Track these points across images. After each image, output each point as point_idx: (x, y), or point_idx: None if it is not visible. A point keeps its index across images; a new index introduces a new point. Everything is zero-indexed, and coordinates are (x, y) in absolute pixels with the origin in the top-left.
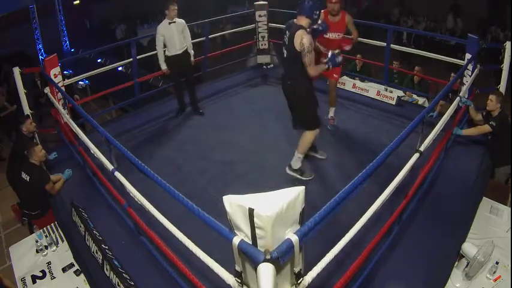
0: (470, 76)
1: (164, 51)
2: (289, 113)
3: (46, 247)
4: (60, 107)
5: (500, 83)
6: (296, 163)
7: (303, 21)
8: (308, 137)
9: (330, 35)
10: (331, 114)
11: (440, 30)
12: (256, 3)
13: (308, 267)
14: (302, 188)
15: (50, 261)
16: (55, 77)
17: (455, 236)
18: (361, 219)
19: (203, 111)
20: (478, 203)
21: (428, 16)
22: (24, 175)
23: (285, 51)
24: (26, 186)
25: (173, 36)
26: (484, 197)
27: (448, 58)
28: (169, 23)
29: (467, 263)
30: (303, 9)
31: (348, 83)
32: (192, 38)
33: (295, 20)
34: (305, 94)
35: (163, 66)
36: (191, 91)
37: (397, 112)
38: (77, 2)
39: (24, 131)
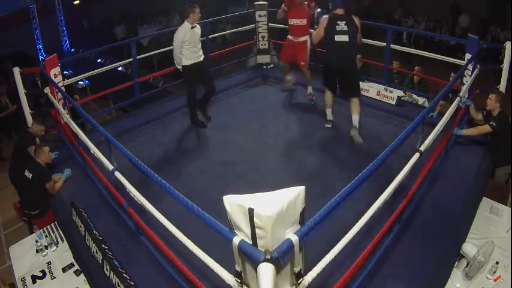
0: (470, 76)
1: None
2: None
3: (46, 247)
4: (60, 107)
5: (500, 83)
6: (358, 123)
7: (342, 11)
8: (358, 101)
9: (294, 22)
10: (309, 91)
11: (440, 30)
12: (256, 3)
13: (308, 267)
14: (302, 188)
15: (50, 261)
16: (55, 77)
17: (455, 236)
18: (361, 219)
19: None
20: (478, 203)
21: (428, 16)
22: (27, 172)
23: (345, 36)
24: (28, 183)
25: (196, 42)
26: (484, 197)
27: (448, 58)
28: (192, 28)
29: (467, 263)
30: (340, 3)
31: None
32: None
33: (335, 12)
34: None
35: (180, 66)
36: (206, 100)
37: (397, 112)
38: (77, 2)
39: (31, 130)
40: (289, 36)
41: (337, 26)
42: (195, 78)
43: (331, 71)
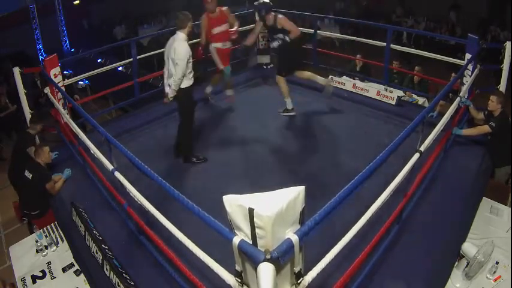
0: (470, 76)
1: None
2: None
3: (46, 247)
4: (60, 107)
5: (500, 83)
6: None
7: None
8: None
9: (217, 30)
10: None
11: (440, 30)
12: (256, 3)
13: (308, 267)
14: (302, 187)
15: (50, 261)
16: (55, 77)
17: (455, 236)
18: (361, 219)
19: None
20: (478, 203)
21: (428, 16)
22: (27, 173)
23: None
24: (28, 184)
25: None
26: (484, 197)
27: (448, 58)
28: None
29: (467, 263)
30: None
31: (348, 83)
32: (192, 38)
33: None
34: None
35: (175, 93)
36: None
37: (397, 112)
38: (77, 2)
39: (29, 130)
40: (217, 45)
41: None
42: (194, 102)
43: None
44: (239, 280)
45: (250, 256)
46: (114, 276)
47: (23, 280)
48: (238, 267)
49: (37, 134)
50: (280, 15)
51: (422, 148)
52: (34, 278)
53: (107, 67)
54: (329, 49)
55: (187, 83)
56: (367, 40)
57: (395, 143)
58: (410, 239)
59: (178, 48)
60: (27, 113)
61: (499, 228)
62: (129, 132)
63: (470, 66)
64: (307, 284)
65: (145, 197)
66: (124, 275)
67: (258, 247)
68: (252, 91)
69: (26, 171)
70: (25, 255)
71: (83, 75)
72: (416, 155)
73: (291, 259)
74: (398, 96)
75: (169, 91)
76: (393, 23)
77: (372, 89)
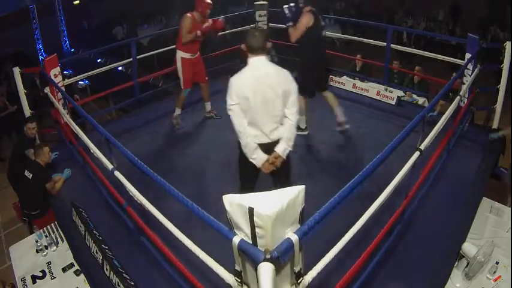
0: (470, 76)
1: None
2: None
3: (46, 247)
4: (60, 107)
5: (500, 83)
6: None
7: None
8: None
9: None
10: (209, 108)
11: (440, 30)
12: (256, 3)
13: (308, 267)
14: (302, 187)
15: (50, 261)
16: (55, 77)
17: (455, 236)
18: (361, 218)
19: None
20: (478, 203)
21: (428, 16)
22: (27, 173)
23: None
24: (28, 184)
25: None
26: (484, 197)
27: (448, 58)
28: None
29: (467, 263)
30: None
31: (348, 83)
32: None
33: (307, 7)
34: None
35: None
36: None
37: (397, 112)
38: (77, 2)
39: (26, 132)
40: (186, 56)
41: (322, 22)
42: None
43: (319, 71)
44: (239, 280)
45: (250, 256)
46: (114, 276)
47: (23, 280)
48: (238, 267)
49: (31, 135)
50: (307, 8)
51: (422, 147)
52: (34, 278)
53: (107, 67)
54: (329, 49)
55: None
56: (367, 40)
57: (395, 142)
58: (410, 239)
59: (289, 76)
60: (27, 113)
61: (499, 228)
62: (129, 132)
63: (470, 66)
64: (307, 284)
65: (145, 197)
66: (124, 275)
67: (258, 247)
68: None
69: (26, 171)
70: (25, 255)
71: (83, 75)
72: (417, 154)
73: (291, 259)
74: (398, 96)
75: (284, 147)
76: (393, 23)
77: (372, 89)
